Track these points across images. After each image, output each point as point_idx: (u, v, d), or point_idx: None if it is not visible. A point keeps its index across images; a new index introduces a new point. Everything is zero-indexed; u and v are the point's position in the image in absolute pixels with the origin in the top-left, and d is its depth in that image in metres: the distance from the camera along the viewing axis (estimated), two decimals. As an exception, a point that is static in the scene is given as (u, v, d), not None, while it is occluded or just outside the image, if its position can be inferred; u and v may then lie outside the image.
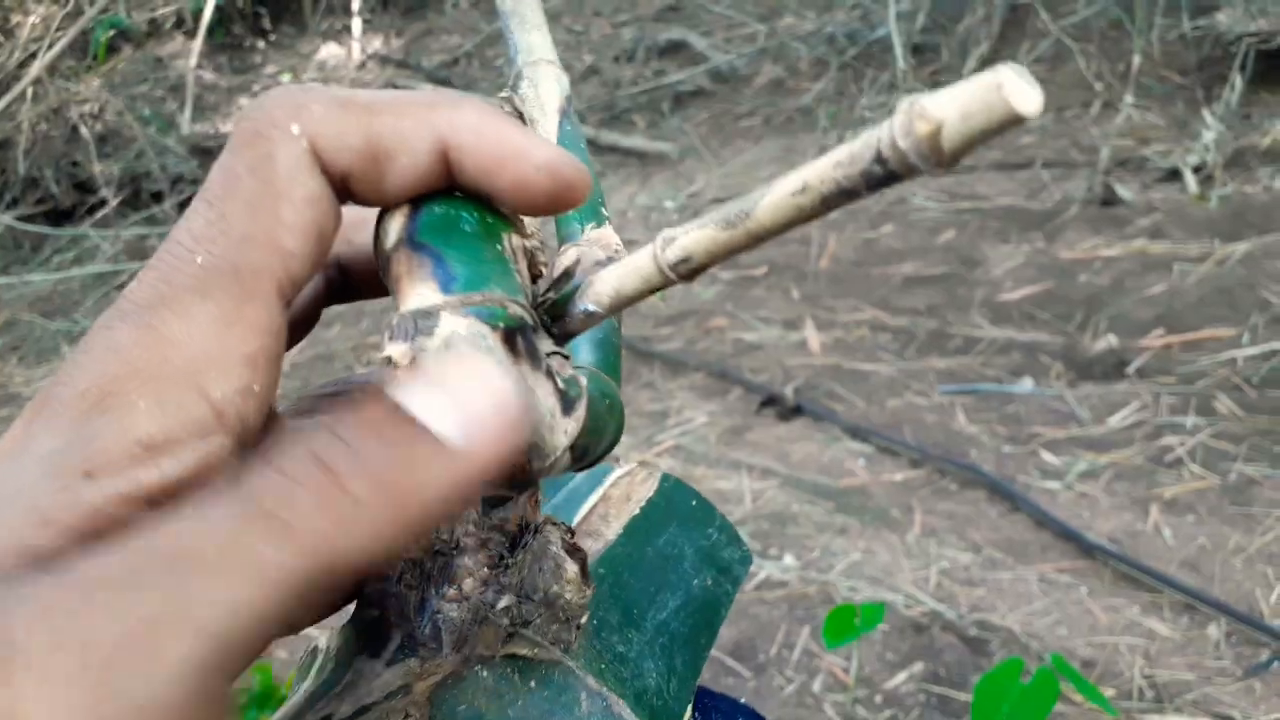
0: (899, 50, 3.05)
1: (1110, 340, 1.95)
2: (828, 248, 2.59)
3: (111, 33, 3.92)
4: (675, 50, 3.66)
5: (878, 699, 1.31)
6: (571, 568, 0.22)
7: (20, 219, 3.50)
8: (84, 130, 3.52)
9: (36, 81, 3.55)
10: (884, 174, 0.15)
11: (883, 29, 3.18)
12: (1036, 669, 0.87)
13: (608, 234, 0.27)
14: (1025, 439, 1.75)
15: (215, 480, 0.15)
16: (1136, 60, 2.74)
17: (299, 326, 0.21)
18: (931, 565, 1.51)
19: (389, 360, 0.17)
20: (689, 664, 0.25)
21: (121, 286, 2.96)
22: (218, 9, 3.95)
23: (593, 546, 0.26)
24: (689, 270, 0.19)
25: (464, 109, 0.19)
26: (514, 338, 0.18)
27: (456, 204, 0.20)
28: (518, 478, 0.18)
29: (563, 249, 0.27)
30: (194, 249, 0.17)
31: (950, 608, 1.42)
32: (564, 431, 0.19)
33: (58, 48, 3.55)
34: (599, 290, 0.20)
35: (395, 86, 3.87)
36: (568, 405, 0.19)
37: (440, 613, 0.22)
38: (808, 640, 1.41)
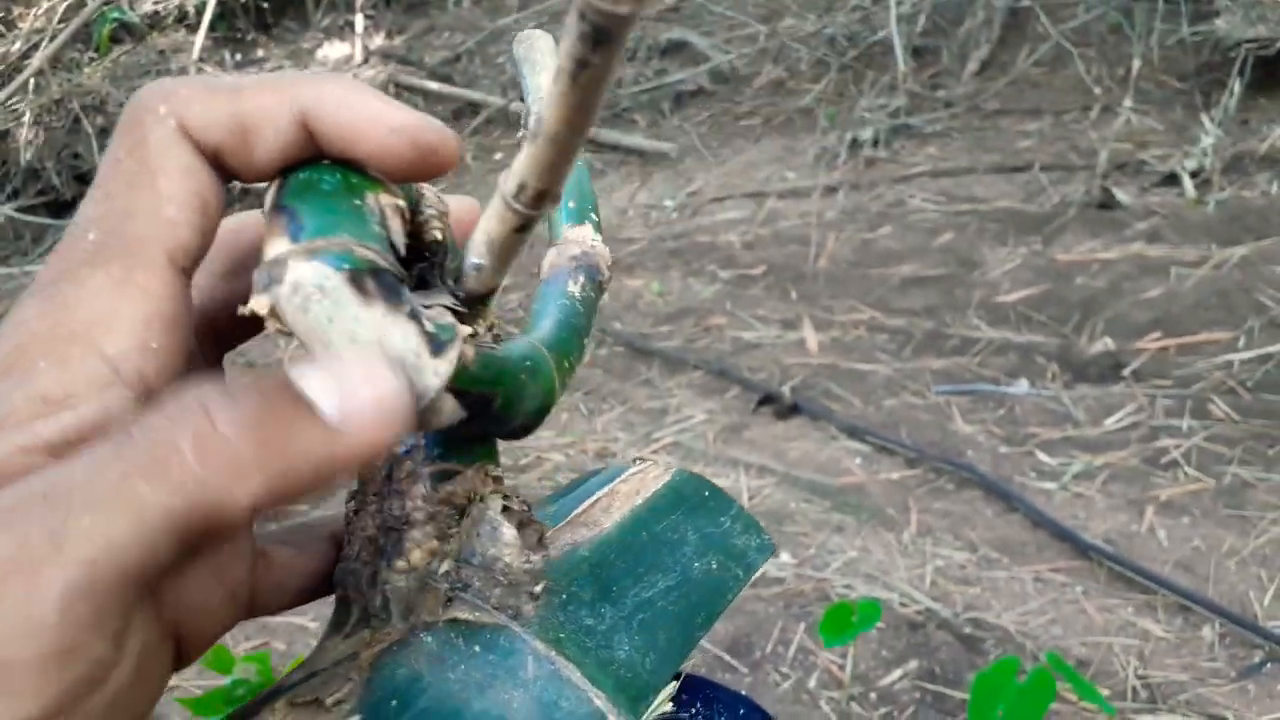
0: (899, 52, 3.06)
1: (1106, 343, 1.96)
2: (826, 248, 2.60)
3: (114, 25, 3.92)
4: (676, 50, 3.67)
5: (873, 696, 1.32)
6: (508, 531, 0.23)
7: (21, 210, 3.50)
8: (86, 122, 3.52)
9: (38, 73, 3.55)
10: (591, 28, 0.15)
11: (883, 31, 3.19)
12: (1032, 668, 0.88)
13: (585, 231, 0.28)
14: (1021, 440, 1.76)
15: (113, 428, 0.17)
16: (1136, 65, 2.75)
17: (241, 328, 0.22)
18: (927, 564, 1.52)
19: (252, 314, 0.18)
20: (675, 642, 0.25)
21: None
22: (220, 3, 3.95)
23: (586, 534, 0.27)
24: (530, 197, 0.19)
25: (326, 82, 0.20)
26: (361, 278, 0.18)
27: (321, 169, 0.20)
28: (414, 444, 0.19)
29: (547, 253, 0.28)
30: (87, 228, 0.19)
31: (946, 606, 1.43)
32: (433, 371, 0.19)
33: (60, 39, 3.55)
34: (475, 241, 0.21)
35: (397, 83, 3.88)
36: (437, 347, 0.19)
37: (389, 583, 0.23)
38: (803, 637, 1.42)
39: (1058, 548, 1.52)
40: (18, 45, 3.77)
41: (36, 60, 3.55)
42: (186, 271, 0.19)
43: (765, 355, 2.20)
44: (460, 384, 0.19)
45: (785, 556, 1.58)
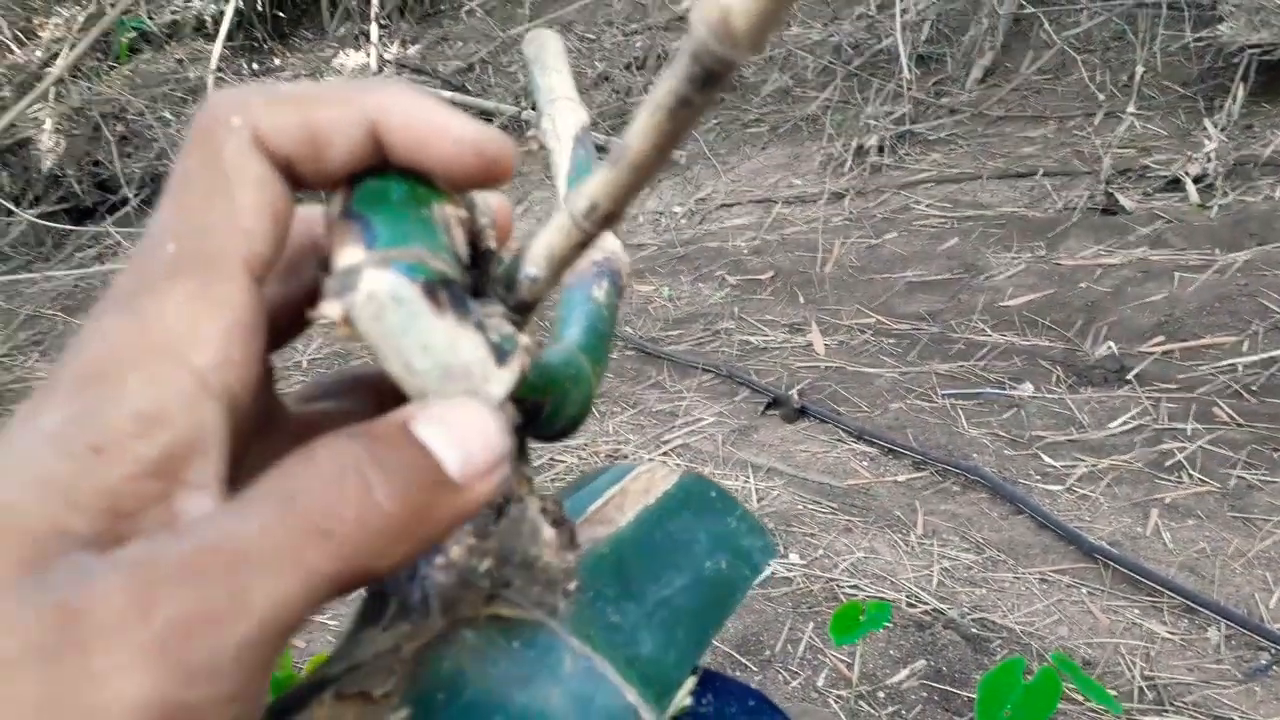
0: (904, 60, 3.07)
1: (1111, 347, 1.97)
2: (832, 254, 2.62)
3: (133, 34, 3.96)
4: (686, 58, 3.70)
5: (881, 695, 1.34)
6: (548, 531, 0.24)
7: (43, 217, 3.53)
8: (105, 129, 3.56)
9: (59, 81, 3.59)
10: (702, 71, 0.16)
11: (888, 39, 3.21)
12: (1039, 668, 0.90)
13: (606, 237, 0.28)
14: (1026, 442, 1.78)
15: (211, 452, 0.18)
16: (1139, 71, 2.76)
17: (291, 327, 0.23)
18: (934, 565, 1.54)
19: (323, 318, 0.19)
20: (692, 638, 0.25)
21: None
22: (237, 13, 3.99)
23: (603, 532, 0.27)
24: (599, 217, 0.20)
25: (393, 93, 0.20)
26: (435, 290, 0.19)
27: (389, 178, 0.21)
28: None
29: None
30: (163, 239, 0.19)
31: (952, 606, 1.45)
32: (499, 381, 0.20)
33: (80, 48, 3.59)
34: (534, 253, 0.22)
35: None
36: (501, 356, 0.20)
37: (429, 579, 0.23)
38: (812, 636, 1.44)
39: (1063, 550, 1.53)
40: (38, 54, 3.82)
41: (57, 69, 3.59)
42: (261, 280, 0.19)
43: (773, 359, 2.23)
44: (519, 392, 0.20)
45: (794, 557, 1.61)
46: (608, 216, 0.20)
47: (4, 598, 0.15)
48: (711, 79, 0.16)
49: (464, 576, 0.23)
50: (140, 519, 0.16)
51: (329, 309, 0.18)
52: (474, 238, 0.23)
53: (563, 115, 0.29)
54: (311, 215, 0.23)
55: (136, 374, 0.17)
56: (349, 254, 0.19)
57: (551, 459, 1.94)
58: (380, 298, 0.18)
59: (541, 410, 0.23)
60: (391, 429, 0.18)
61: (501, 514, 0.24)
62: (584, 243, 0.21)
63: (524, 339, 0.21)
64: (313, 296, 0.22)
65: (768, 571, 1.57)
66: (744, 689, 0.31)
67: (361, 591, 0.24)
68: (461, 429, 0.18)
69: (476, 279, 0.23)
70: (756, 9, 0.15)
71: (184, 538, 0.16)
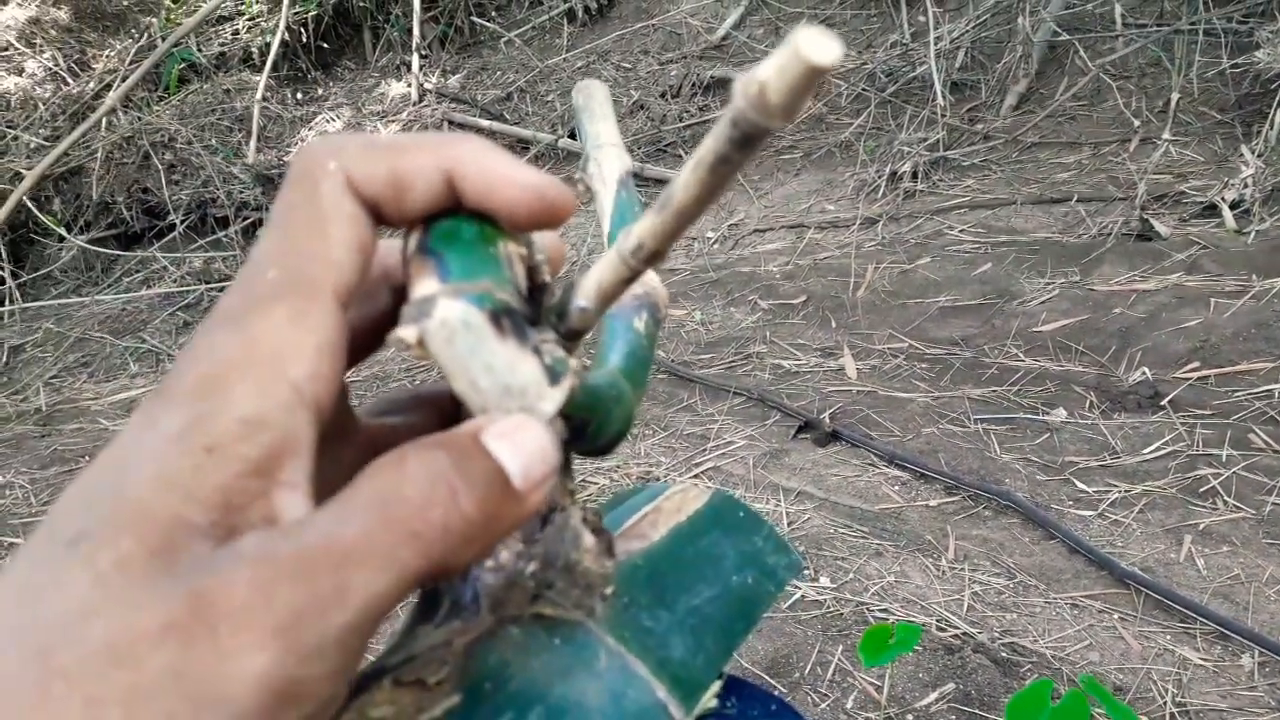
0: (938, 87, 3.09)
1: (1145, 372, 1.96)
2: (865, 279, 2.64)
3: (182, 66, 4.09)
4: (719, 87, 3.73)
5: (909, 717, 1.34)
6: (588, 539, 0.26)
7: (92, 242, 3.65)
8: (155, 158, 3.67)
9: (110, 111, 3.72)
10: (740, 135, 0.18)
11: (922, 66, 3.22)
12: (1067, 691, 0.90)
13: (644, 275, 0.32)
14: (1059, 468, 1.78)
15: (302, 452, 0.20)
16: (1175, 97, 2.75)
17: (364, 346, 0.25)
18: (965, 589, 1.53)
19: (401, 340, 0.21)
20: (719, 645, 0.27)
21: (187, 307, 3.08)
22: (283, 44, 4.11)
23: (638, 545, 0.29)
24: (645, 255, 0.22)
25: (467, 144, 0.23)
26: (499, 318, 0.21)
27: (460, 219, 0.23)
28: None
29: None
30: (266, 265, 0.21)
31: (983, 631, 1.44)
32: (551, 400, 0.22)
33: (131, 80, 3.71)
34: (585, 287, 0.24)
35: (451, 121, 3.99)
36: (554, 378, 0.22)
37: (480, 580, 0.25)
38: (841, 659, 1.45)
39: (1095, 575, 1.53)
40: (91, 85, 3.96)
41: (109, 100, 3.72)
42: (346, 306, 0.21)
43: (805, 383, 2.24)
44: (567, 409, 0.22)
45: (824, 580, 1.61)
46: (652, 255, 0.22)
47: (139, 580, 0.17)
48: (748, 142, 0.18)
49: (511, 578, 0.25)
50: (246, 513, 0.19)
51: (406, 333, 0.21)
52: (531, 272, 0.25)
53: (608, 160, 0.32)
54: (386, 248, 0.25)
55: (243, 383, 0.19)
56: (425, 285, 0.21)
57: (585, 480, 1.96)
58: (452, 324, 0.21)
59: (587, 426, 0.25)
60: (467, 440, 0.21)
61: (547, 521, 0.26)
62: (630, 278, 0.23)
63: (574, 362, 0.23)
64: (383, 321, 0.25)
65: (795, 588, 1.58)
66: (767, 695, 0.33)
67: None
68: (523, 444, 0.21)
69: (533, 309, 0.25)
70: (789, 86, 0.17)
71: (295, 536, 0.18)
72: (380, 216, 0.23)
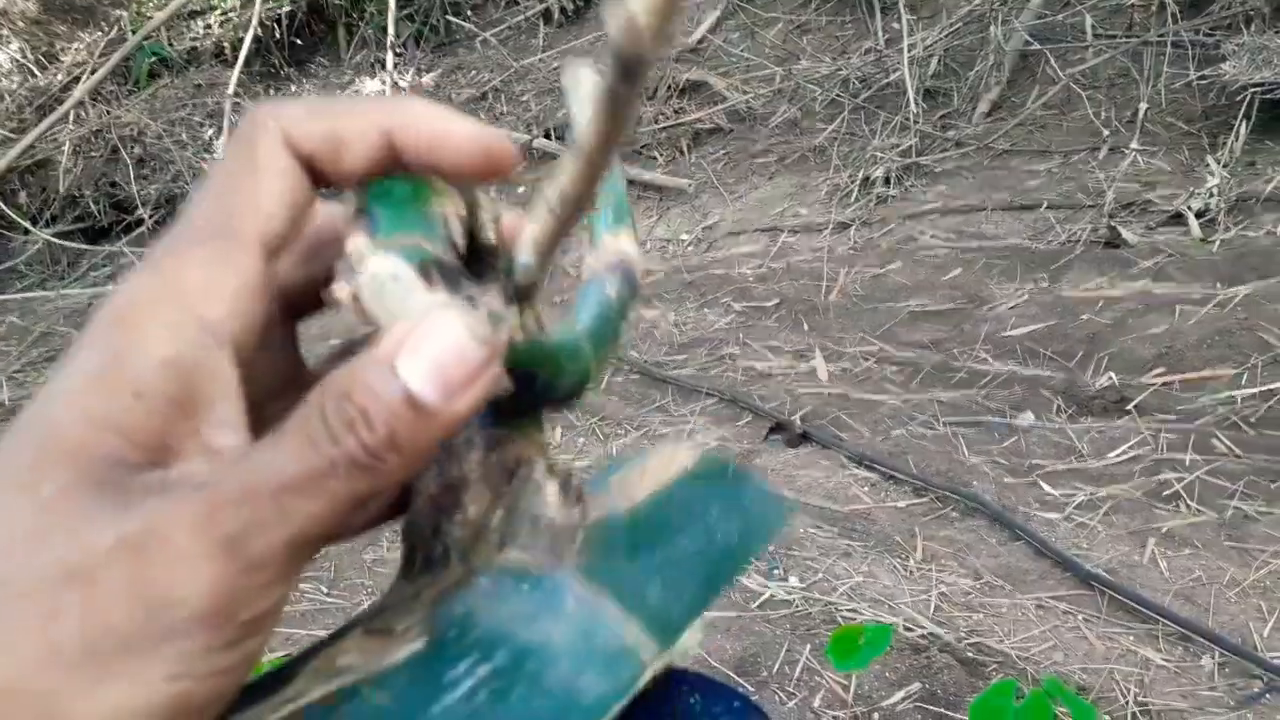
0: (911, 94, 3.12)
1: (1111, 377, 1.99)
2: (837, 282, 2.65)
3: (153, 60, 4.05)
4: (695, 90, 3.74)
5: (876, 716, 1.35)
6: (551, 488, 0.27)
7: (59, 236, 3.59)
8: (124, 152, 3.63)
9: (79, 105, 3.66)
10: (622, 67, 0.18)
11: (896, 73, 3.25)
12: (1031, 691, 0.90)
13: (622, 240, 0.32)
14: (1026, 470, 1.79)
15: (228, 392, 0.21)
16: (1143, 107, 2.80)
17: (311, 304, 0.26)
18: (932, 589, 1.55)
19: (335, 297, 0.22)
20: (699, 593, 0.27)
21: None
22: (255, 40, 4.07)
23: (621, 503, 0.30)
24: (569, 203, 0.22)
25: (409, 104, 0.24)
26: (428, 269, 0.21)
27: (396, 179, 0.23)
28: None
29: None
30: (195, 214, 0.22)
31: (949, 631, 1.46)
32: None
33: (100, 73, 3.66)
34: (523, 243, 0.24)
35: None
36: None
37: (449, 535, 0.26)
38: (809, 658, 1.45)
39: (1060, 576, 1.54)
40: (59, 78, 3.90)
41: (77, 93, 3.67)
42: (274, 254, 0.22)
43: (777, 385, 2.25)
44: (508, 361, 0.22)
45: (793, 580, 1.62)
46: (578, 202, 0.22)
47: (88, 505, 0.18)
48: (630, 73, 0.18)
49: (478, 531, 0.26)
50: (183, 451, 0.20)
51: (339, 289, 0.21)
52: (475, 232, 0.25)
53: None
54: (336, 210, 0.26)
55: (155, 322, 0.20)
56: (356, 242, 0.22)
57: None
58: (381, 277, 0.21)
59: (534, 379, 0.25)
60: (377, 361, 0.21)
61: (513, 475, 0.27)
62: (561, 228, 0.23)
63: (512, 313, 0.23)
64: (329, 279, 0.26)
65: (764, 588, 1.59)
66: (731, 692, 0.33)
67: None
68: (433, 353, 0.20)
69: (482, 268, 0.25)
70: (654, 11, 0.17)
71: (236, 467, 0.20)
72: (319, 176, 0.23)
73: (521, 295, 0.25)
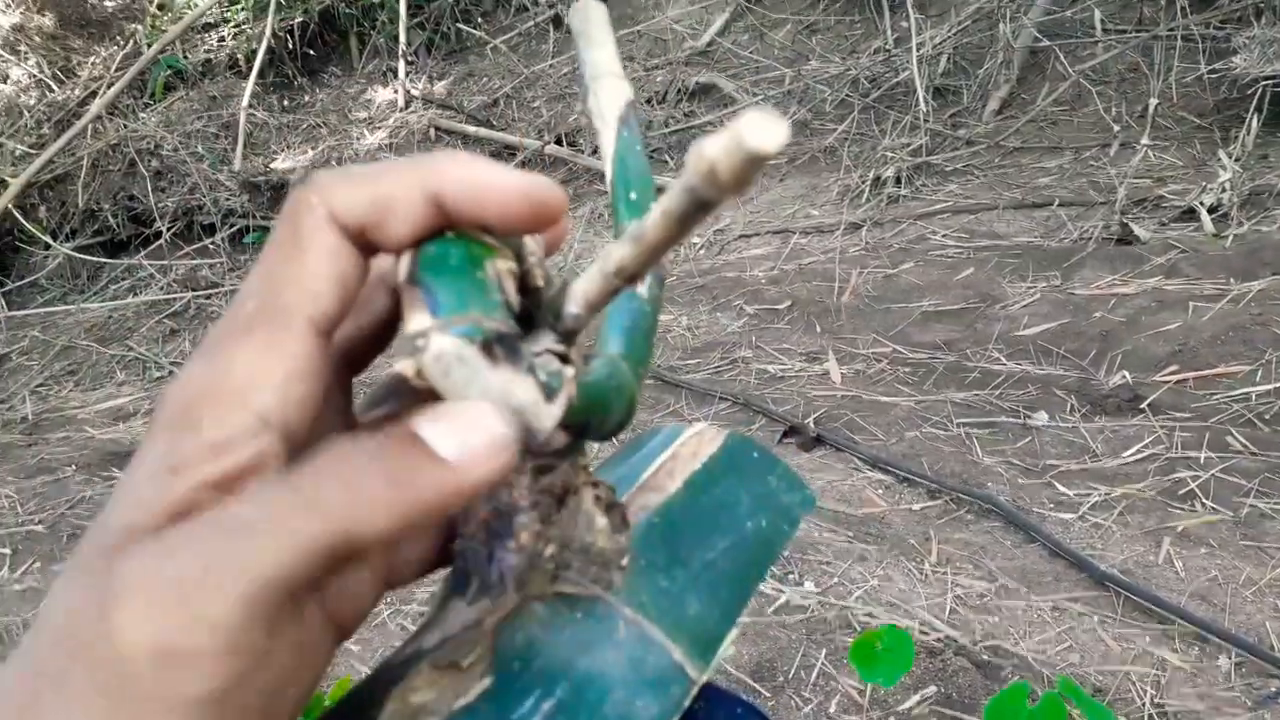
0: (921, 93, 3.11)
1: (1125, 376, 1.99)
2: (849, 284, 2.65)
3: (168, 73, 4.08)
4: (705, 93, 3.74)
5: (892, 720, 1.35)
6: (601, 521, 0.28)
7: (78, 249, 3.63)
8: (141, 165, 3.67)
9: (96, 119, 3.71)
10: (694, 201, 0.19)
11: (905, 72, 3.25)
12: (1044, 693, 0.91)
13: None
14: (1040, 471, 1.79)
15: (269, 471, 0.21)
16: (1154, 103, 2.79)
17: (369, 350, 0.27)
18: (947, 593, 1.55)
19: (399, 374, 0.22)
20: (734, 596, 0.29)
21: (174, 315, 3.07)
22: (269, 51, 4.11)
23: (655, 499, 0.31)
24: (625, 277, 0.23)
25: (448, 160, 0.23)
26: (491, 347, 0.22)
27: (447, 242, 0.23)
28: (518, 461, 0.24)
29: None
30: (247, 299, 0.22)
31: (964, 634, 1.46)
32: (549, 416, 0.23)
33: (117, 87, 3.71)
34: (575, 295, 0.25)
35: (438, 127, 3.99)
36: (550, 394, 0.23)
37: (503, 561, 0.27)
38: (825, 663, 1.46)
39: (1075, 577, 1.54)
40: (76, 92, 3.95)
41: (95, 107, 3.71)
42: (326, 333, 0.23)
43: (790, 388, 2.26)
44: (567, 420, 0.23)
45: (808, 585, 1.63)
46: (632, 276, 0.23)
47: (86, 570, 0.19)
48: (703, 207, 0.19)
49: (532, 559, 0.27)
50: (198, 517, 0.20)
51: (404, 366, 0.22)
52: (523, 277, 0.26)
53: (606, 92, 0.31)
54: (384, 261, 0.26)
55: (209, 414, 0.21)
56: (417, 320, 0.22)
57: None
58: (446, 358, 0.21)
59: (588, 427, 0.26)
60: (400, 429, 0.21)
61: (562, 505, 0.27)
62: (614, 292, 0.24)
63: (568, 372, 0.24)
64: (383, 324, 0.27)
65: (780, 592, 1.60)
66: (734, 698, 0.34)
67: (444, 573, 0.29)
68: (461, 423, 0.21)
69: (528, 309, 0.26)
70: (734, 169, 0.18)
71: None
72: (369, 245, 0.23)
73: (568, 336, 0.26)
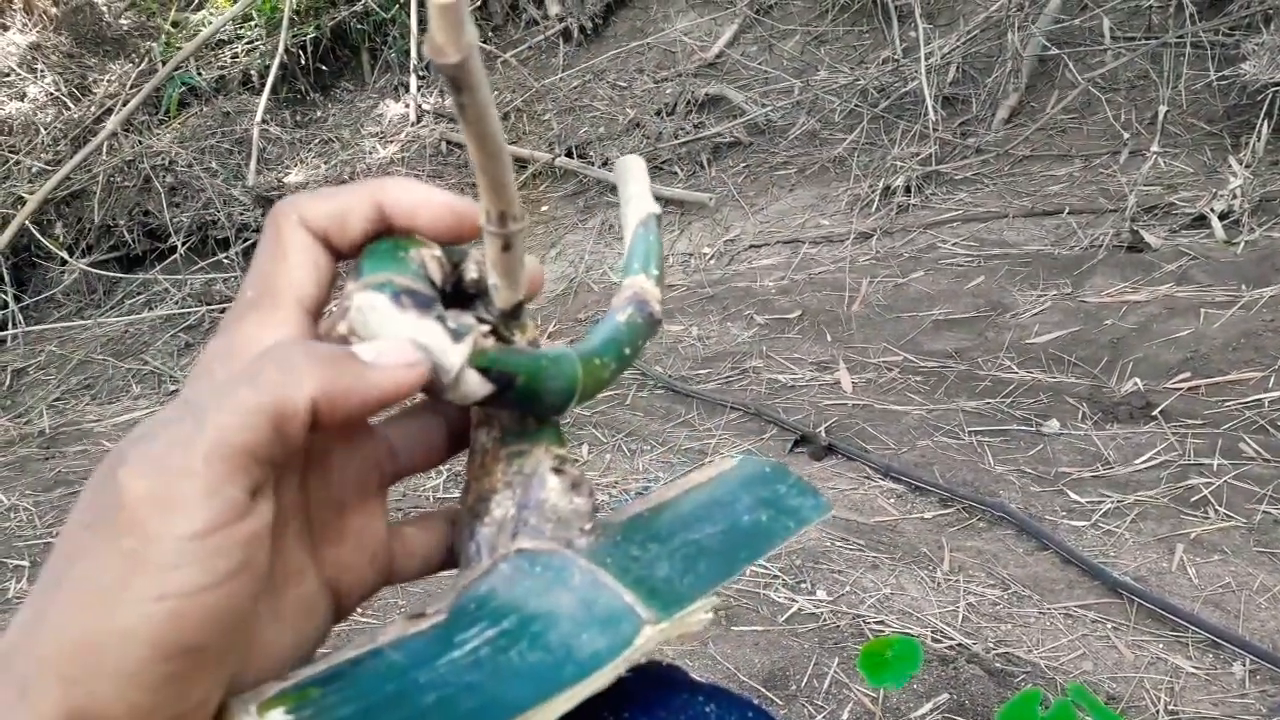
0: (930, 102, 3.12)
1: (1136, 383, 1.98)
2: (860, 293, 2.66)
3: (182, 90, 4.13)
4: (714, 104, 3.76)
5: (905, 728, 1.35)
6: (552, 479, 0.31)
7: (94, 265, 3.67)
8: (155, 181, 3.71)
9: (112, 135, 3.75)
10: (447, 80, 0.21)
11: (914, 82, 3.26)
12: (1056, 700, 0.91)
13: (639, 279, 0.36)
14: (1052, 479, 1.79)
15: None
16: (1163, 110, 2.79)
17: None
18: (960, 600, 1.55)
19: (339, 334, 0.28)
20: (714, 569, 0.31)
21: (189, 328, 3.09)
22: (281, 67, 4.15)
23: (654, 501, 0.34)
24: (497, 218, 0.27)
25: (393, 182, 0.30)
26: (399, 297, 0.27)
27: (384, 239, 0.29)
28: (434, 388, 0.28)
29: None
30: (246, 289, 0.29)
31: (977, 642, 1.46)
32: (456, 354, 0.27)
33: (132, 104, 3.75)
34: (487, 268, 0.29)
35: (449, 141, 4.02)
36: (457, 337, 0.27)
37: (480, 535, 0.31)
38: (838, 671, 1.46)
39: (1088, 585, 1.54)
40: (92, 110, 3.99)
41: (110, 124, 3.76)
42: (310, 311, 0.29)
43: (801, 397, 2.26)
44: (481, 364, 0.27)
45: (821, 593, 1.63)
46: (501, 215, 0.26)
47: (97, 474, 0.24)
48: (454, 84, 0.21)
49: (501, 526, 0.30)
50: None
51: (340, 326, 0.28)
52: (460, 274, 0.31)
53: (634, 209, 0.38)
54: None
55: (220, 368, 0.27)
56: (347, 288, 0.28)
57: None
58: (363, 309, 0.27)
59: (513, 382, 0.29)
60: (332, 339, 0.28)
61: (519, 471, 0.31)
62: (505, 245, 0.27)
63: (481, 325, 0.28)
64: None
65: (792, 601, 1.60)
66: (745, 702, 0.35)
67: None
68: (380, 345, 0.27)
69: (471, 302, 0.31)
70: (437, 27, 0.20)
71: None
72: (332, 246, 0.29)
73: (508, 317, 0.31)
